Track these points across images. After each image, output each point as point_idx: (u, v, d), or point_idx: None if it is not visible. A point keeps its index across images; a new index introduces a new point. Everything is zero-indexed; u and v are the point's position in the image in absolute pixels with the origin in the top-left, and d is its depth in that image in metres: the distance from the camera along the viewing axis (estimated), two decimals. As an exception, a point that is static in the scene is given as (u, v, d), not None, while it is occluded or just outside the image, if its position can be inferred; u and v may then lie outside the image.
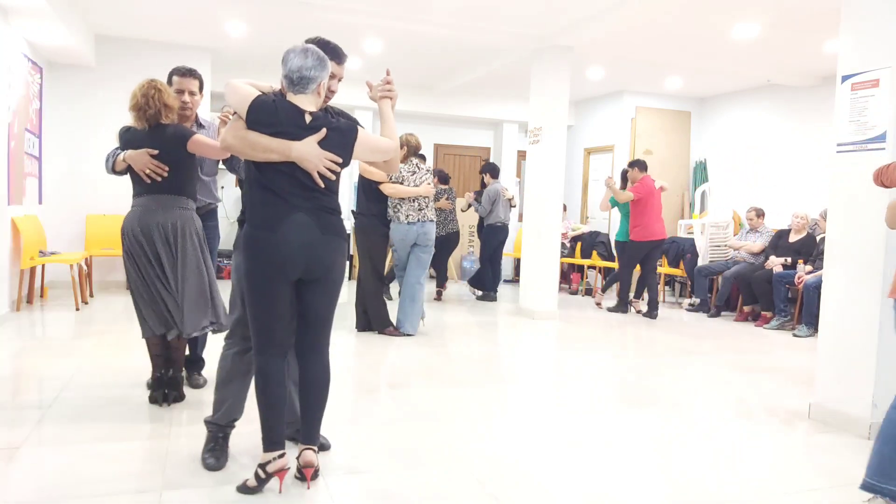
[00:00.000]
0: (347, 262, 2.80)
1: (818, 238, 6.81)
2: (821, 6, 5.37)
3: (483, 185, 8.31)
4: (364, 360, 4.76)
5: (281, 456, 2.48)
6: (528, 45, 6.76)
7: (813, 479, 2.92)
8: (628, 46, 6.94)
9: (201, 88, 3.73)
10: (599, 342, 5.85)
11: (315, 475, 2.60)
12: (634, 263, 7.33)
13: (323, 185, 2.50)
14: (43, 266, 6.72)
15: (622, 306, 7.43)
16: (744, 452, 3.20)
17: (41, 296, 6.77)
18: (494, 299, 7.99)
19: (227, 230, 7.74)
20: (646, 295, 7.39)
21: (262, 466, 2.48)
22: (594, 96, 9.88)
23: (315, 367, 2.59)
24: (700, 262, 7.88)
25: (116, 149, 3.45)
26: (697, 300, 7.86)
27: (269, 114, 2.46)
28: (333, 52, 2.66)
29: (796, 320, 6.67)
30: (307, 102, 2.52)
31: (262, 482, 2.48)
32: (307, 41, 2.64)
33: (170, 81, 3.62)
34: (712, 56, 7.23)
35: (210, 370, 3.89)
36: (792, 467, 3.06)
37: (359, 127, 2.64)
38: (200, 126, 3.77)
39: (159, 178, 3.33)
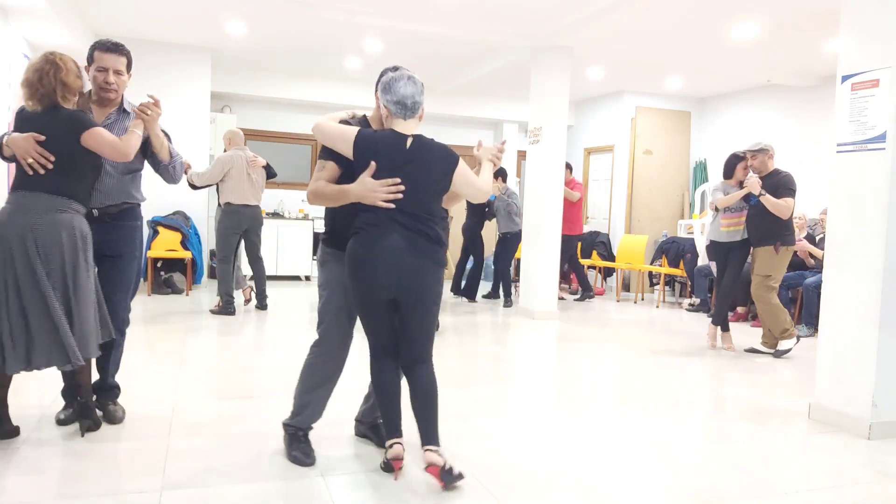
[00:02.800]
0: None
1: (818, 238, 6.81)
2: (821, 6, 5.37)
3: None
4: (364, 361, 4.75)
5: (398, 442, 2.69)
6: (528, 45, 6.76)
7: (813, 479, 2.91)
8: (628, 46, 6.94)
9: (129, 67, 3.12)
10: (599, 342, 5.85)
11: (445, 474, 2.58)
12: (574, 254, 8.37)
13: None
14: (43, 266, 6.69)
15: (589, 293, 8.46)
16: (743, 452, 3.20)
17: (41, 296, 6.76)
18: (511, 304, 7.73)
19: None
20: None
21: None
22: (594, 96, 9.87)
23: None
24: (700, 262, 7.88)
25: (7, 132, 2.94)
26: (697, 300, 7.86)
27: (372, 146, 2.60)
28: None
29: (796, 320, 6.66)
30: (413, 127, 2.67)
31: (387, 466, 2.72)
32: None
33: (91, 58, 3.04)
34: (712, 56, 7.23)
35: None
36: (792, 467, 3.06)
37: (457, 158, 2.76)
38: (124, 112, 3.14)
39: (42, 170, 2.78)
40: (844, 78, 3.62)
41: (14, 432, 2.92)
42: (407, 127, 2.65)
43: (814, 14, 5.60)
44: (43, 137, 2.77)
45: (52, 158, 2.77)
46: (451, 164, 2.69)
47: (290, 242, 9.00)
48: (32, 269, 2.71)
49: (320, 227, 9.21)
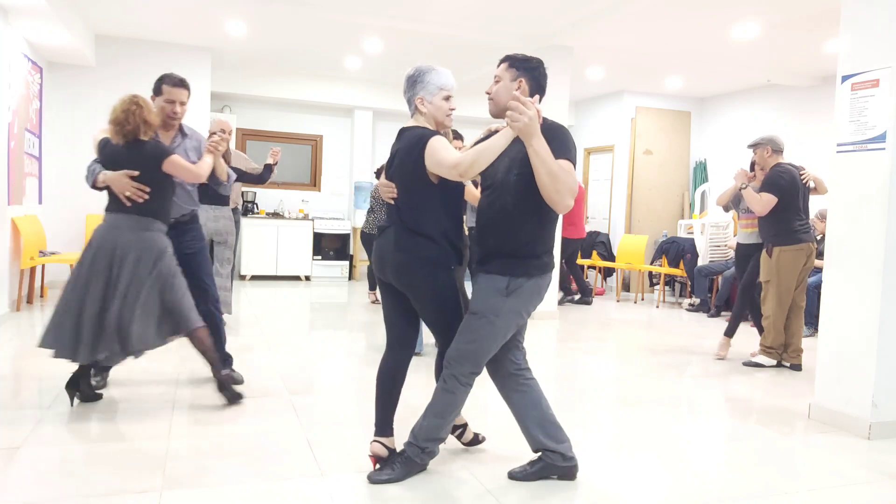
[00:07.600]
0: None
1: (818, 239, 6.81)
2: (821, 6, 5.37)
3: None
4: (365, 361, 4.76)
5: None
6: (528, 45, 6.76)
7: (813, 479, 2.92)
8: (628, 46, 6.94)
9: (189, 97, 3.65)
10: (599, 342, 5.85)
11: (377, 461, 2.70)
12: (572, 258, 8.05)
13: None
14: (43, 266, 6.72)
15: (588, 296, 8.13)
16: (744, 452, 3.20)
17: (41, 296, 6.78)
18: None
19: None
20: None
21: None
22: (594, 96, 9.87)
23: None
24: (700, 262, 7.88)
25: (96, 162, 3.37)
26: (697, 300, 7.86)
27: None
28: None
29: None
30: (412, 121, 2.73)
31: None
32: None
33: (159, 90, 3.52)
34: (712, 56, 7.22)
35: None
36: (792, 467, 3.06)
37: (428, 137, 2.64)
38: (184, 135, 3.66)
39: (140, 201, 3.25)
40: (844, 78, 3.62)
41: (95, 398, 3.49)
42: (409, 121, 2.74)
43: (814, 14, 5.60)
44: (136, 173, 3.24)
45: (147, 190, 3.25)
46: (421, 144, 2.52)
47: (290, 242, 9.00)
48: (108, 276, 3.20)
49: (320, 227, 9.22)
